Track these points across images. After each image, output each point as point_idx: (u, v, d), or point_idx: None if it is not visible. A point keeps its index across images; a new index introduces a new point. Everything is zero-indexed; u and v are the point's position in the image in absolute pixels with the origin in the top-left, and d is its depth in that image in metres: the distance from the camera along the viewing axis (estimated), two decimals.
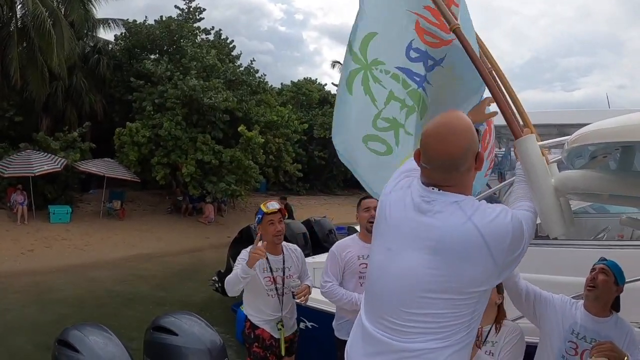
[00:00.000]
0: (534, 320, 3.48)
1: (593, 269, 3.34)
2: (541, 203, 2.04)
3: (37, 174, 20.67)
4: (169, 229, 23.99)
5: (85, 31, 27.82)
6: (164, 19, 28.99)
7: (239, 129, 25.64)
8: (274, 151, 29.27)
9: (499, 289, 3.46)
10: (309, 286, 4.73)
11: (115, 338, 4.40)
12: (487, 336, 3.46)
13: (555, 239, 2.72)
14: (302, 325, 6.06)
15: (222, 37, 31.52)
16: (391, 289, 2.11)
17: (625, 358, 2.89)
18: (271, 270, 4.58)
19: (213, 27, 31.26)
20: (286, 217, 4.68)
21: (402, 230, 2.12)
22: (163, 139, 24.97)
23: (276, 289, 4.58)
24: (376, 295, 2.20)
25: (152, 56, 29.15)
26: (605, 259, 3.36)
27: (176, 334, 4.40)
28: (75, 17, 25.42)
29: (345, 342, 4.51)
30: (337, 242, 4.73)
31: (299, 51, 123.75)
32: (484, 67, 2.64)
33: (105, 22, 29.43)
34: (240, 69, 29.72)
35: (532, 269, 3.66)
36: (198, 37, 30.08)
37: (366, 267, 4.09)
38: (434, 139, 2.06)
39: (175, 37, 28.60)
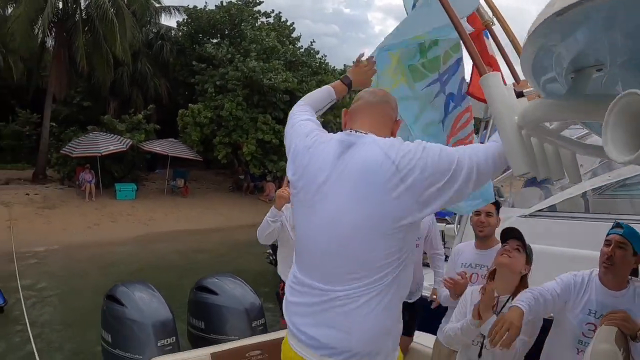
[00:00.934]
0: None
1: (608, 241, 2.96)
2: (504, 140, 1.89)
3: (103, 154, 21.48)
4: (230, 206, 24.40)
5: (147, 19, 28.55)
6: (224, 4, 29.42)
7: None
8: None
9: (528, 259, 3.22)
10: None
11: (159, 295, 4.59)
12: (503, 307, 3.18)
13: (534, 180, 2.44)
14: None
15: (282, 20, 31.67)
16: (318, 237, 2.07)
17: None
18: None
19: (273, 10, 31.50)
20: None
21: (321, 179, 2.08)
22: (224, 119, 25.36)
23: None
24: (305, 245, 2.16)
25: (214, 40, 29.68)
26: (620, 225, 2.99)
27: (217, 294, 4.69)
28: (136, 6, 26.13)
29: None
30: None
31: (364, 32, 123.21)
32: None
33: (167, 9, 30.23)
34: (301, 50, 29.80)
35: (573, 244, 3.26)
36: (258, 20, 30.36)
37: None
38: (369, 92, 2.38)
39: (235, 21, 28.97)
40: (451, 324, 3.36)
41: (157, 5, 29.38)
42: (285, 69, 26.76)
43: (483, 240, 3.90)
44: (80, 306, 10.15)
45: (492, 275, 3.16)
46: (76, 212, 19.54)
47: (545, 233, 5.88)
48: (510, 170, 3.82)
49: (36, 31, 23.69)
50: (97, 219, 19.34)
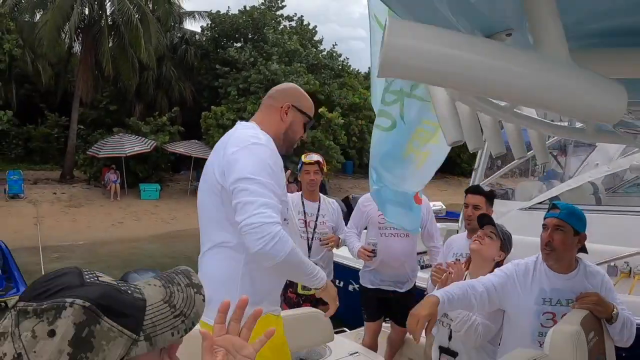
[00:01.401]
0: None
1: (545, 225, 2.82)
2: (438, 111, 2.04)
3: (128, 155, 22.01)
4: None
5: (172, 24, 29.11)
6: (247, 8, 29.86)
7: (319, 110, 25.94)
8: (357, 133, 29.32)
9: (504, 246, 3.20)
10: (339, 238, 4.83)
11: None
12: None
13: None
14: (350, 287, 6.50)
15: (304, 23, 32.01)
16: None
17: (614, 310, 2.65)
18: (305, 214, 4.73)
19: (295, 14, 31.87)
20: (324, 171, 4.83)
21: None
22: (247, 121, 25.65)
23: (307, 232, 4.71)
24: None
25: (237, 44, 30.16)
26: (556, 206, 2.83)
27: None
28: (161, 12, 26.70)
29: (365, 288, 4.79)
30: (362, 196, 4.96)
31: None
32: None
33: (191, 14, 30.80)
34: (323, 53, 30.08)
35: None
36: (281, 24, 30.75)
37: (384, 219, 4.47)
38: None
39: (258, 25, 29.40)
40: None
41: (181, 10, 29.94)
42: (307, 71, 27.05)
43: (473, 231, 3.86)
44: None
45: (468, 263, 3.27)
46: (101, 210, 20.02)
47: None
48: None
49: (63, 37, 24.38)
50: (120, 217, 19.79)
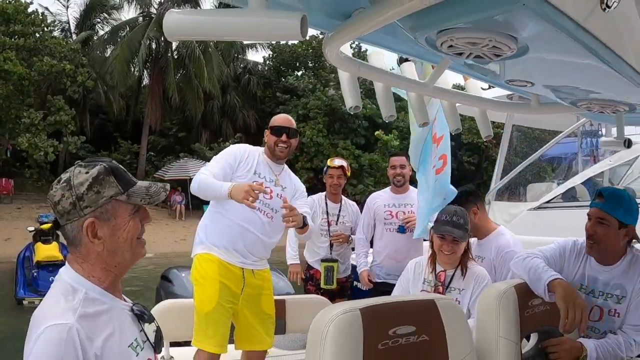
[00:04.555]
0: None
1: (589, 216, 2.60)
2: (341, 79, 2.32)
3: (192, 177, 22.95)
4: None
5: (234, 55, 30.53)
6: (306, 38, 30.90)
7: (375, 133, 26.37)
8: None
9: (464, 235, 3.07)
10: (348, 235, 5.08)
11: None
12: (450, 281, 3.10)
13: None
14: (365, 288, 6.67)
15: (361, 50, 32.69)
16: None
17: (583, 354, 2.42)
18: (327, 214, 5.03)
19: (354, 41, 32.54)
20: (347, 175, 5.17)
21: None
22: (306, 146, 26.51)
23: (329, 230, 5.02)
24: None
25: (298, 72, 31.21)
26: (601, 195, 2.59)
27: None
28: (223, 45, 28.19)
29: (376, 283, 5.02)
30: (370, 196, 5.16)
31: None
32: None
33: (253, 46, 32.17)
34: None
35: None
36: None
37: (390, 214, 4.74)
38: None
39: (317, 53, 30.34)
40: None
41: (244, 43, 31.39)
42: (364, 96, 27.60)
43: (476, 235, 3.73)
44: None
45: (432, 258, 3.18)
46: (166, 229, 21.12)
47: (554, 224, 5.79)
48: None
49: (133, 70, 26.16)
50: (183, 235, 20.78)
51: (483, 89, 3.16)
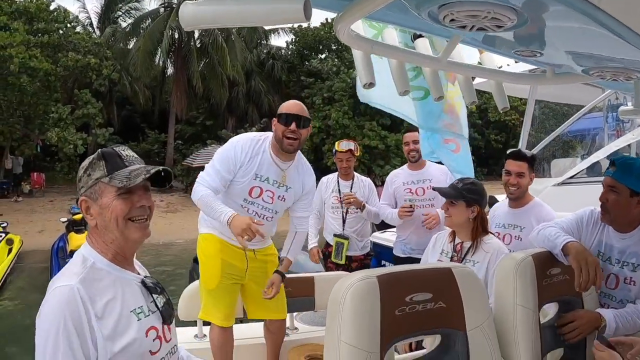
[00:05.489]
0: None
1: (602, 184, 2.63)
2: (355, 56, 2.36)
3: None
4: None
5: (257, 41, 30.61)
6: (329, 20, 30.81)
7: None
8: None
9: (469, 203, 3.06)
10: (361, 201, 5.01)
11: None
12: (466, 253, 3.08)
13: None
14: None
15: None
16: None
17: (602, 323, 2.40)
18: (339, 192, 5.10)
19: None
20: (356, 156, 5.20)
21: None
22: (332, 128, 26.56)
23: (341, 207, 5.08)
24: None
25: (322, 55, 31.18)
26: (614, 163, 2.60)
27: None
28: (245, 31, 28.28)
29: (398, 257, 5.11)
30: (389, 174, 5.18)
31: None
32: None
33: (275, 31, 32.28)
34: None
35: None
36: None
37: (410, 192, 4.73)
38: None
39: None
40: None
41: (266, 28, 31.44)
42: None
43: (516, 201, 3.70)
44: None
45: (453, 235, 3.19)
46: (195, 215, 20.93)
47: (579, 199, 5.49)
48: None
49: (156, 60, 26.44)
50: None
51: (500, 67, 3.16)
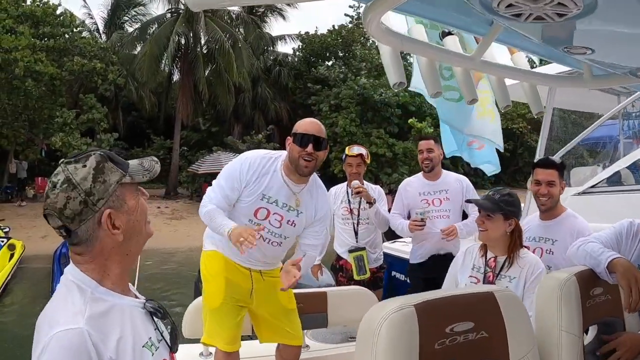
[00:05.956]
0: None
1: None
2: (383, 57, 2.23)
3: None
4: None
5: (264, 47, 30.53)
6: (335, 27, 30.75)
7: (409, 121, 26.09)
8: None
9: (507, 215, 2.91)
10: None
11: None
12: (501, 268, 2.91)
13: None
14: (400, 277, 6.55)
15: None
16: None
17: None
18: (349, 202, 4.84)
19: None
20: (366, 162, 4.94)
21: None
22: (339, 136, 26.34)
23: (352, 218, 4.82)
24: None
25: (329, 62, 31.07)
26: None
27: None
28: (252, 38, 28.19)
29: (414, 264, 4.88)
30: (402, 182, 5.04)
31: None
32: None
33: (282, 37, 32.17)
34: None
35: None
36: (370, 40, 31.36)
37: (426, 202, 4.50)
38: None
39: (347, 42, 30.16)
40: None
41: (272, 35, 31.41)
42: None
43: (548, 212, 3.48)
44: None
45: (484, 250, 3.04)
46: (200, 222, 20.97)
47: (600, 209, 5.47)
48: None
49: (162, 66, 26.35)
50: None
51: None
